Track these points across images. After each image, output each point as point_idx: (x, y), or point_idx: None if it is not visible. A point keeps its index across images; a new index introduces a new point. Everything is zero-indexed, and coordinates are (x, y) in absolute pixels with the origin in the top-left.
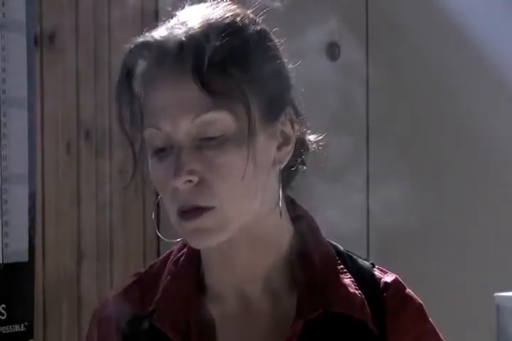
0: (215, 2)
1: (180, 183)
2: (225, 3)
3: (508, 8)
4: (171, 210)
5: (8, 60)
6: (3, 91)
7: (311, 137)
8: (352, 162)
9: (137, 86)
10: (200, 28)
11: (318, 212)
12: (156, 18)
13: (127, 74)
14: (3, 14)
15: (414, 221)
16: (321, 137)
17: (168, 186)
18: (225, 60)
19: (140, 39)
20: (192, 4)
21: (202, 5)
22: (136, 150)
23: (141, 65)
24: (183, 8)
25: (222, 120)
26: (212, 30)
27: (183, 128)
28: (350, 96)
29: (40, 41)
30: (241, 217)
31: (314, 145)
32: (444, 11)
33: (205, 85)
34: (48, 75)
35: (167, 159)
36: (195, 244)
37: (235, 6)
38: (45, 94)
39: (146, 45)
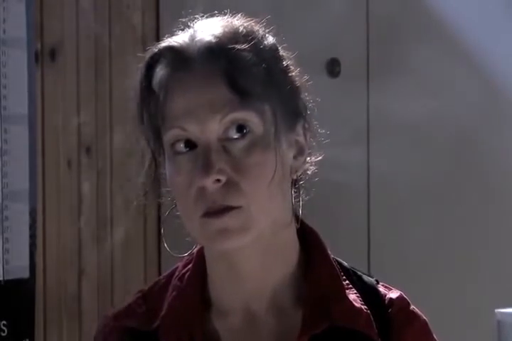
0: (225, 17)
1: (210, 182)
2: (236, 17)
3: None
4: (193, 215)
5: (9, 76)
6: (4, 108)
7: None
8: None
9: (159, 89)
10: (226, 32)
11: None
12: (157, 35)
13: (149, 78)
14: (4, 31)
15: (415, 237)
16: (320, 158)
17: (192, 189)
18: (253, 63)
19: (162, 44)
20: (197, 20)
21: (215, 18)
22: (156, 154)
23: (163, 69)
24: (186, 23)
25: (249, 120)
26: (238, 34)
27: (211, 127)
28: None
29: (41, 57)
30: (264, 220)
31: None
32: (447, 27)
33: (235, 86)
34: (48, 91)
35: (191, 161)
36: (218, 245)
37: (247, 19)
38: (46, 111)
39: (171, 49)
